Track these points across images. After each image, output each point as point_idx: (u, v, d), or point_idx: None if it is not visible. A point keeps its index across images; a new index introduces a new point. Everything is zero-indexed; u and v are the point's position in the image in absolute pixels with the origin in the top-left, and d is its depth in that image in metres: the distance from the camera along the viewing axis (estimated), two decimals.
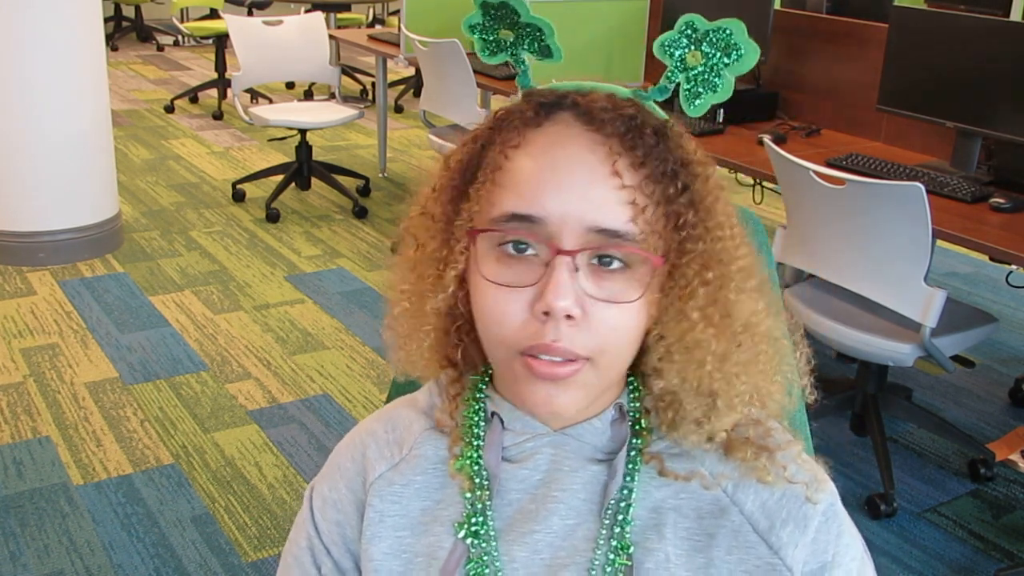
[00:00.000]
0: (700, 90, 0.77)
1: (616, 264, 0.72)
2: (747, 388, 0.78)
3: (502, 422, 0.81)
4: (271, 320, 3.56)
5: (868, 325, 2.49)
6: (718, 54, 0.75)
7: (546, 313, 0.71)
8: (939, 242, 2.43)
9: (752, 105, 3.44)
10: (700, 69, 0.76)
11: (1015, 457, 2.79)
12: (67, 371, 3.13)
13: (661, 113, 0.77)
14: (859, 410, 2.81)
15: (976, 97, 2.73)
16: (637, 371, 0.80)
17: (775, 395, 0.81)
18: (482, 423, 0.82)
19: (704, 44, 0.75)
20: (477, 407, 0.83)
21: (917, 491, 2.67)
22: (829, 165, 2.78)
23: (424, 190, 0.82)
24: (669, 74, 0.77)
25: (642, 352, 0.77)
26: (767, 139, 2.72)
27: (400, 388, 1.12)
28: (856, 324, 2.50)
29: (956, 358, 2.79)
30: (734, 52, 0.75)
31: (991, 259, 3.70)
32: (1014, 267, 3.29)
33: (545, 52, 0.79)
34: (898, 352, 2.43)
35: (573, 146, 0.72)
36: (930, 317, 2.30)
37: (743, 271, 0.77)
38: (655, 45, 0.77)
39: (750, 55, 0.75)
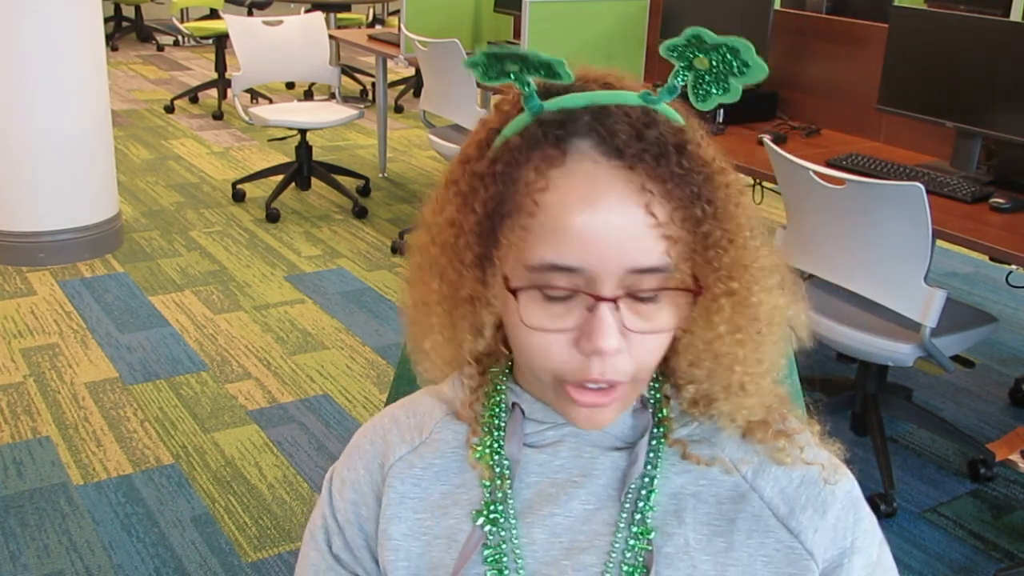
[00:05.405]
0: (711, 89, 0.75)
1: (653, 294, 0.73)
2: (769, 370, 0.79)
3: (523, 412, 0.82)
4: (271, 320, 3.56)
5: (868, 325, 2.49)
6: (725, 67, 0.74)
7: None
8: (939, 242, 2.43)
9: (752, 105, 3.44)
10: (708, 73, 0.74)
11: (1015, 457, 2.79)
12: (67, 371, 3.13)
13: (675, 115, 0.75)
14: (859, 410, 2.81)
15: (976, 97, 2.72)
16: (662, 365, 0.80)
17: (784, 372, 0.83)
18: (503, 414, 0.83)
19: (712, 54, 0.73)
20: (498, 399, 0.83)
21: (917, 491, 2.67)
22: (829, 165, 2.78)
23: (437, 219, 0.78)
24: (677, 73, 0.75)
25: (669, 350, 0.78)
26: (767, 139, 2.72)
27: (401, 388, 1.12)
28: (856, 324, 2.50)
29: (956, 358, 2.79)
30: (742, 68, 0.73)
31: (991, 259, 3.70)
32: (1014, 267, 3.29)
33: (743, 68, 0.73)
34: (898, 352, 2.43)
35: (604, 190, 0.70)
36: (930, 317, 2.30)
37: (765, 270, 0.77)
38: (662, 47, 0.75)
39: (756, 73, 0.73)
